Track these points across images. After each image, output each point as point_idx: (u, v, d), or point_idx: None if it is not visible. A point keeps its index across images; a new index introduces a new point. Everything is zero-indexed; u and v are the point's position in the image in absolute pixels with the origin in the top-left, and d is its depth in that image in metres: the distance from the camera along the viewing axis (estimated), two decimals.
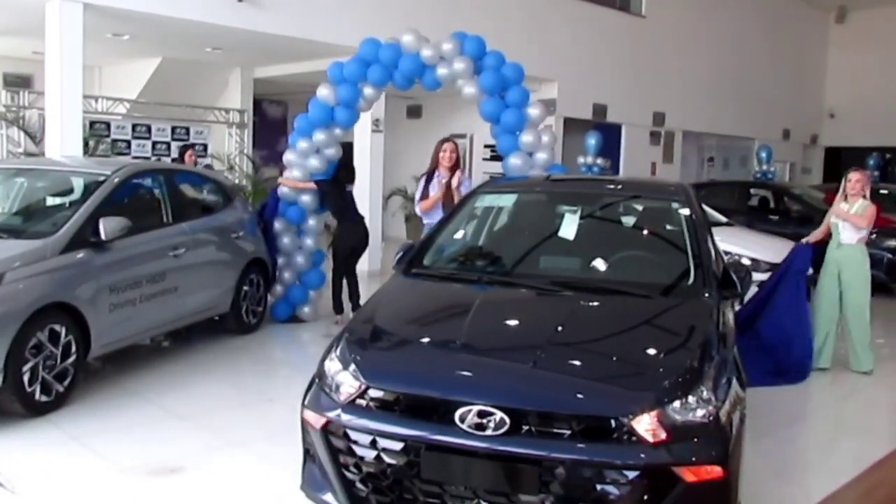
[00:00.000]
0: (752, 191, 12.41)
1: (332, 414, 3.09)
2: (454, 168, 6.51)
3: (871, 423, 5.51)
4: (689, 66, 15.95)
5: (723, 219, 8.61)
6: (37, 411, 4.63)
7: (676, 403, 2.87)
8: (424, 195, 6.59)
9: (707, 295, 3.69)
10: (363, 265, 11.10)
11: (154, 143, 11.61)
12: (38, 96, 10.22)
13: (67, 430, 4.51)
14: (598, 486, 2.79)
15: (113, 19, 8.76)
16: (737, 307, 4.22)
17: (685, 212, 4.31)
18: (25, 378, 4.51)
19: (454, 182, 6.42)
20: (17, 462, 4.05)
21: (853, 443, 5.07)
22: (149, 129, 11.60)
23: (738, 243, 7.51)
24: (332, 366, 3.25)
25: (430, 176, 6.61)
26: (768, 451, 4.53)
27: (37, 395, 4.62)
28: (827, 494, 4.03)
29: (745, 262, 6.93)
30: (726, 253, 6.41)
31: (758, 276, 6.53)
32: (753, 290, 6.23)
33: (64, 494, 3.72)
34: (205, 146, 11.95)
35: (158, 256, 5.73)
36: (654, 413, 2.82)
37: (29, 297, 4.57)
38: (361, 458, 3.02)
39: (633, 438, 2.80)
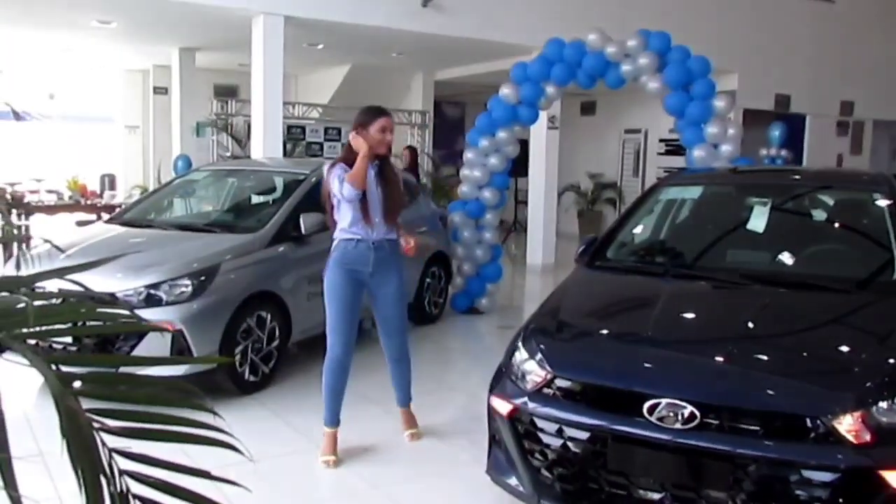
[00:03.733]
0: None
1: (518, 401, 3.16)
2: (385, 156, 4.26)
3: None
4: (881, 51, 14.52)
5: None
6: (245, 390, 5.07)
7: (883, 404, 2.69)
8: (354, 191, 3.96)
9: None
10: (537, 258, 11.26)
11: (343, 146, 12.34)
12: (244, 104, 11.24)
13: (272, 408, 4.94)
14: (793, 487, 2.67)
15: (309, 30, 9.44)
16: None
17: (888, 203, 4.00)
18: (237, 359, 4.98)
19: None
20: (238, 435, 4.47)
21: None
22: (339, 131, 12.40)
23: None
24: (519, 355, 3.32)
25: (348, 165, 4.04)
26: None
27: (246, 376, 5.08)
28: None
29: None
30: None
31: None
32: None
33: (279, 465, 4.07)
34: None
35: None
36: (857, 413, 2.65)
37: (240, 285, 5.05)
38: (547, 446, 3.06)
39: (832, 439, 2.65)
